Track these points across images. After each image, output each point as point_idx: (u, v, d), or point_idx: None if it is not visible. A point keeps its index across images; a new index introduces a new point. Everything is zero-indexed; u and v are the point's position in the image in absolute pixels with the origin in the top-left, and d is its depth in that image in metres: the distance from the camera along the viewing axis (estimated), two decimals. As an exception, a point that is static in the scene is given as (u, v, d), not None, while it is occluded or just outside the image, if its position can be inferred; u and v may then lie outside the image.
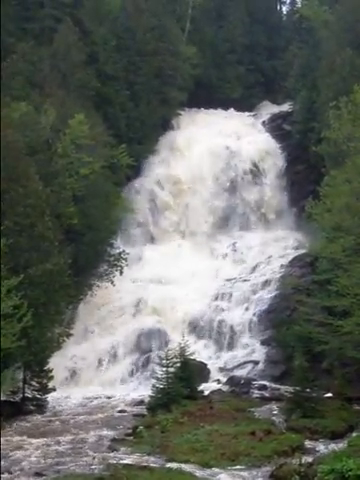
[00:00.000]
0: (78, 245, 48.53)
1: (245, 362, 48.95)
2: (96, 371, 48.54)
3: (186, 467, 29.55)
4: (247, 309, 52.54)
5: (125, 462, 30.19)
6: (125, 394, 45.23)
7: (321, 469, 25.32)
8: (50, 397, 42.18)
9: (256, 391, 45.11)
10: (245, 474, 29.16)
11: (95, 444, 34.05)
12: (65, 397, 44.15)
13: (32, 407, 41.34)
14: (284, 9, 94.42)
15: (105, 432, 36.28)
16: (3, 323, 33.42)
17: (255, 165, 67.22)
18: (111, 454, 31.97)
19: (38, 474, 28.88)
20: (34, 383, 41.70)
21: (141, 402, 42.01)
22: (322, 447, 32.89)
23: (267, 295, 52.98)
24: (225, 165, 66.70)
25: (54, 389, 42.26)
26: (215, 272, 57.33)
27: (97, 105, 59.44)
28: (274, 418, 38.12)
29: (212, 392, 43.83)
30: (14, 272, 36.47)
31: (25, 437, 35.12)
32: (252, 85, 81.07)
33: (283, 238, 61.31)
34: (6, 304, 33.44)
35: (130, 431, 35.89)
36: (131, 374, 48.09)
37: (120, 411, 41.30)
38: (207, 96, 75.94)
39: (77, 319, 51.36)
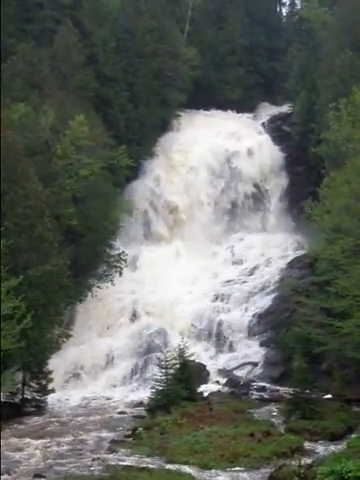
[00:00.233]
0: (77, 246, 48.54)
1: (244, 363, 48.97)
2: (95, 372, 48.50)
3: (185, 468, 29.56)
4: (246, 310, 52.58)
5: (124, 463, 30.21)
6: (124, 396, 45.23)
7: (320, 470, 25.31)
8: (49, 398, 42.19)
9: (255, 392, 45.13)
10: (244, 475, 29.17)
11: (94, 445, 34.05)
12: (65, 398, 44.13)
13: (31, 408, 41.35)
14: (284, 11, 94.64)
15: (104, 433, 36.28)
16: (3, 324, 33.38)
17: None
18: (110, 455, 31.98)
19: (38, 475, 28.88)
20: (33, 384, 41.71)
21: (140, 403, 42.00)
22: (321, 448, 32.90)
23: (266, 296, 53.05)
24: (224, 167, 66.71)
25: (53, 390, 42.28)
26: (214, 273, 57.32)
27: (96, 106, 59.48)
28: (273, 419, 38.15)
29: (211, 393, 43.87)
30: (14, 273, 36.46)
31: (24, 438, 35.10)
32: (252, 86, 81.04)
33: (282, 239, 61.29)
34: (6, 305, 33.40)
35: (129, 432, 35.90)
36: (130, 375, 48.06)
37: (119, 412, 41.28)
38: (207, 97, 75.97)
39: (77, 320, 51.35)
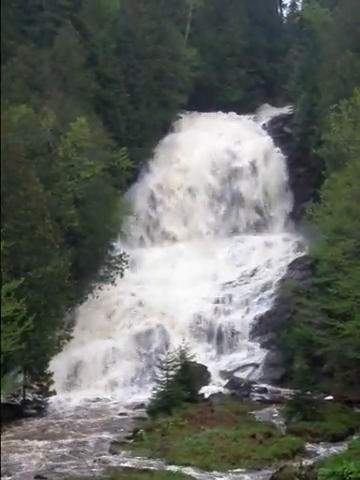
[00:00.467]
0: (78, 248, 48.54)
1: (245, 365, 48.93)
2: (96, 374, 48.45)
3: (186, 470, 29.60)
4: (247, 312, 52.56)
5: (125, 465, 30.24)
6: (125, 397, 45.24)
7: (322, 472, 25.28)
8: (50, 400, 42.19)
9: (256, 394, 45.11)
10: (245, 477, 29.17)
11: (95, 447, 34.07)
12: (66, 400, 44.11)
13: (32, 410, 41.35)
14: (284, 12, 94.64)
15: (105, 435, 36.29)
16: (3, 326, 33.37)
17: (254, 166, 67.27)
18: (111, 457, 32.00)
19: (38, 477, 28.88)
20: (34, 386, 41.70)
21: (141, 405, 41.98)
22: (323, 450, 32.91)
23: (267, 298, 53.03)
24: (225, 167, 66.71)
25: (54, 392, 42.30)
26: (215, 275, 57.28)
27: (97, 108, 59.45)
28: (274, 421, 38.17)
29: (212, 395, 43.83)
30: (14, 275, 36.44)
31: (25, 440, 35.13)
32: (252, 88, 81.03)
33: (283, 241, 61.26)
34: (6, 307, 33.38)
35: (130, 434, 35.89)
36: (132, 377, 48.03)
37: (120, 414, 41.30)
38: (207, 99, 75.97)
39: (77, 322, 51.32)
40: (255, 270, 57.14)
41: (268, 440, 32.89)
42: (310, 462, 29.11)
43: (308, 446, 33.17)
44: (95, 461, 31.22)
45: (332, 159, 46.60)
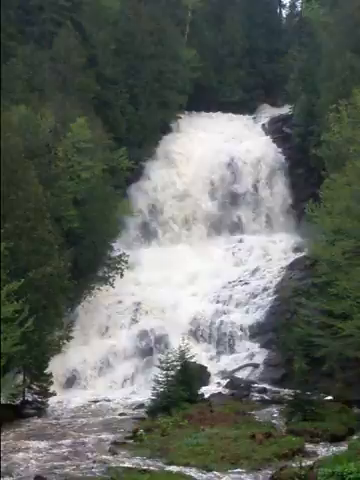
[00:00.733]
0: (78, 248, 48.56)
1: (245, 365, 48.97)
2: (96, 374, 48.50)
3: (186, 470, 29.56)
4: (247, 312, 52.58)
5: (125, 465, 30.19)
6: (125, 397, 45.26)
7: (322, 472, 25.26)
8: (50, 400, 42.17)
9: (256, 394, 45.12)
10: (245, 477, 29.14)
11: (95, 447, 34.03)
12: (65, 400, 44.11)
13: (32, 410, 41.32)
14: (284, 12, 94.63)
15: (105, 435, 36.26)
16: (3, 327, 33.38)
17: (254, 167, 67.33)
18: (111, 457, 31.96)
19: (39, 477, 28.84)
20: (34, 386, 41.69)
21: (141, 405, 42.02)
22: (322, 450, 32.86)
23: (267, 298, 53.04)
24: (225, 167, 66.74)
25: (54, 394, 42.27)
26: (215, 275, 57.29)
27: (97, 108, 59.51)
28: (274, 421, 38.15)
29: (212, 395, 43.84)
30: (14, 275, 36.44)
31: (25, 440, 35.10)
32: (252, 88, 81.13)
33: (283, 241, 61.29)
34: (6, 308, 33.38)
35: (130, 434, 35.83)
36: (131, 377, 48.07)
37: (120, 414, 41.29)
38: (207, 99, 76.07)
39: (77, 322, 51.34)
40: (255, 270, 57.17)
41: (268, 440, 32.84)
42: (310, 462, 29.01)
43: (308, 446, 33.11)
44: (95, 461, 31.20)
45: (331, 159, 46.62)
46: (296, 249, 58.56)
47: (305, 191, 58.78)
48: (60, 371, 45.71)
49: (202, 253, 60.03)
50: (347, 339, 38.12)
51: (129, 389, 46.98)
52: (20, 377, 41.23)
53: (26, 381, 41.39)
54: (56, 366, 43.93)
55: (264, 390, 45.67)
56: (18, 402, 41.32)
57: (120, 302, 54.04)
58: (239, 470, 29.83)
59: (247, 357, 49.63)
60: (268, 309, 51.94)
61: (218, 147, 68.08)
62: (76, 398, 44.79)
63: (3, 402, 39.40)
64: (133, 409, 42.29)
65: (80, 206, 50.06)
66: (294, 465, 28.20)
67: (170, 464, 30.44)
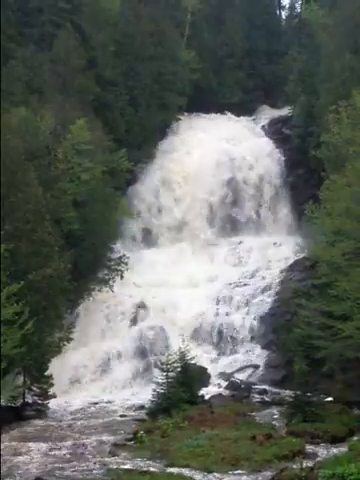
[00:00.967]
0: (78, 250, 48.55)
1: (245, 366, 48.99)
2: (96, 376, 48.50)
3: (187, 472, 29.56)
4: (247, 313, 52.57)
5: (126, 467, 30.18)
6: (125, 399, 45.27)
7: (322, 473, 25.24)
8: (50, 402, 42.13)
9: (256, 395, 45.16)
10: (246, 479, 29.13)
11: (96, 449, 34.03)
12: (65, 402, 44.10)
13: (32, 412, 41.31)
14: (283, 14, 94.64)
15: (105, 437, 36.26)
16: (3, 329, 33.36)
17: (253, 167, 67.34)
18: (112, 459, 31.95)
19: (39, 479, 28.84)
20: (34, 388, 41.67)
21: (142, 407, 42.01)
22: (323, 451, 32.84)
23: (267, 299, 53.03)
24: (224, 169, 66.75)
25: (54, 396, 42.23)
26: (215, 276, 57.29)
27: (96, 110, 59.53)
28: (275, 422, 38.16)
29: (212, 396, 43.84)
30: (14, 277, 36.43)
31: (26, 442, 35.10)
32: (251, 90, 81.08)
33: (283, 242, 61.29)
34: (6, 310, 33.36)
35: (131, 436, 35.86)
36: (131, 379, 48.06)
37: (120, 416, 41.31)
38: (206, 101, 76.03)
39: (77, 324, 51.30)
40: (255, 271, 57.18)
41: (268, 441, 32.82)
42: (310, 464, 28.97)
43: (308, 447, 33.09)
44: (95, 463, 31.20)
45: (331, 160, 46.64)
46: (296, 250, 58.51)
47: (305, 192, 58.77)
48: (60, 372, 45.65)
49: (204, 254, 60.07)
50: (347, 340, 38.12)
51: (129, 391, 46.99)
52: (20, 379, 41.19)
53: (26, 383, 41.37)
54: (56, 368, 43.88)
55: (264, 391, 45.69)
56: (18, 404, 41.31)
57: (120, 303, 54.01)
58: (239, 471, 29.82)
59: (247, 358, 49.64)
60: (268, 310, 51.94)
61: (217, 148, 67.97)
62: (76, 400, 44.79)
63: (3, 404, 39.39)
64: (133, 411, 42.29)
65: (80, 208, 50.06)
66: (294, 466, 28.17)
67: (170, 465, 30.43)
